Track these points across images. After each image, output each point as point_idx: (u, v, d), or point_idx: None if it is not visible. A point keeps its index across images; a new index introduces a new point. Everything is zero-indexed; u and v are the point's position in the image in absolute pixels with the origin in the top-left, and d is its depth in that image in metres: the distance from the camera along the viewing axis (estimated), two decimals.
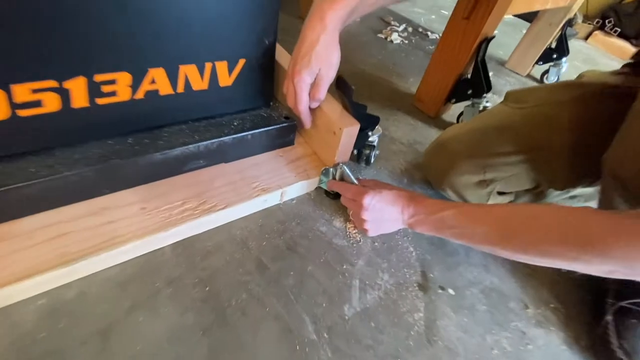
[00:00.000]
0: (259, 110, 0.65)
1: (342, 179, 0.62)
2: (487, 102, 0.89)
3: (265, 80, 0.62)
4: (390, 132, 0.88)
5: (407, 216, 0.53)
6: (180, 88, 0.53)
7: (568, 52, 1.27)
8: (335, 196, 0.65)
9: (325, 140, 0.64)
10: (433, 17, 1.74)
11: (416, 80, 1.12)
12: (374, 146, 0.70)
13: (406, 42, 1.40)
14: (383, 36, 1.38)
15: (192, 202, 0.54)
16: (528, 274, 0.63)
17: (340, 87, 0.57)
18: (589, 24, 2.03)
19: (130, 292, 0.46)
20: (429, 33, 1.52)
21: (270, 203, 0.61)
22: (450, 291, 0.57)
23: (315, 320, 0.49)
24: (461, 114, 0.95)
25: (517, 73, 1.40)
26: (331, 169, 0.63)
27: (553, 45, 1.31)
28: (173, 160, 0.54)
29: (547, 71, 1.33)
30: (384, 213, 0.54)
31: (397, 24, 1.49)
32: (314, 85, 0.56)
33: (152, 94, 0.51)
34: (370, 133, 0.66)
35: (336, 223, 0.62)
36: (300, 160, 0.67)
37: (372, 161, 0.72)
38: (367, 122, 0.63)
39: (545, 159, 0.59)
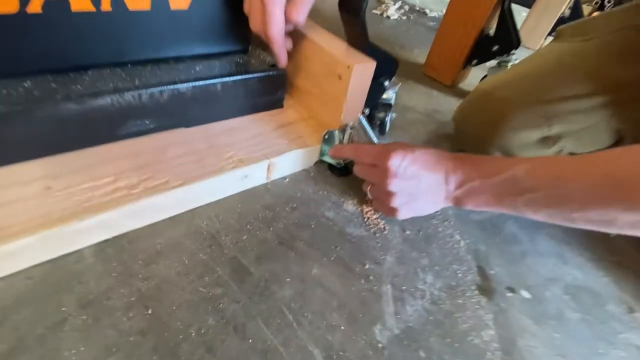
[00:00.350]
0: (233, 55, 0.47)
1: (350, 142, 0.44)
2: (516, 59, 0.73)
3: (238, 11, 0.44)
4: (403, 100, 0.71)
5: (454, 185, 0.36)
6: (106, 3, 0.35)
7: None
8: (343, 171, 0.47)
9: (326, 92, 0.46)
10: None
11: (422, 51, 0.96)
12: (390, 105, 0.53)
13: (404, 18, 1.26)
14: (378, 12, 1.23)
15: (129, 177, 0.35)
16: (616, 262, 0.45)
17: (344, 3, 0.40)
18: (587, 5, 1.94)
19: (13, 324, 0.27)
20: (427, 11, 1.38)
21: (252, 181, 0.43)
22: (524, 293, 0.39)
23: (331, 353, 0.30)
24: (484, 78, 0.79)
25: (527, 48, 1.27)
26: (336, 133, 0.45)
27: (567, 14, 1.18)
28: (100, 115, 0.35)
29: None
30: (420, 182, 0.36)
31: (392, 1, 1.35)
32: None
33: (59, 8, 0.33)
34: (386, 84, 0.49)
35: (348, 206, 0.44)
36: (294, 125, 0.49)
37: (387, 128, 0.55)
38: (383, 66, 0.46)
39: (633, 100, 0.42)
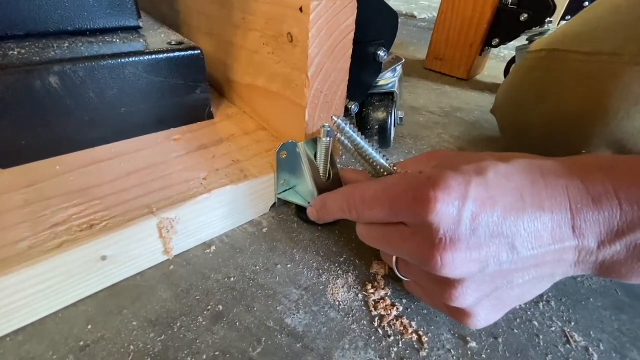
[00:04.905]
0: (112, 33, 0.27)
1: (329, 160, 0.23)
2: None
3: None
4: (407, 100, 0.51)
5: (600, 236, 0.15)
6: None
7: None
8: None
9: (276, 75, 0.25)
10: (413, 6, 1.48)
11: (418, 48, 0.78)
12: (392, 96, 0.32)
13: None
14: None
15: None
16: None
17: None
18: None
19: None
20: (415, 14, 1.24)
21: (126, 266, 0.20)
22: None
23: None
24: (510, 64, 0.59)
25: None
26: (300, 147, 0.24)
27: None
28: None
29: None
30: (515, 245, 0.15)
31: None
32: None
33: None
34: (382, 55, 0.28)
35: (338, 293, 0.21)
36: (226, 143, 0.27)
37: (392, 136, 0.33)
38: (374, 21, 0.26)
39: None
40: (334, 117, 0.19)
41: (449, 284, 0.15)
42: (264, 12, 0.23)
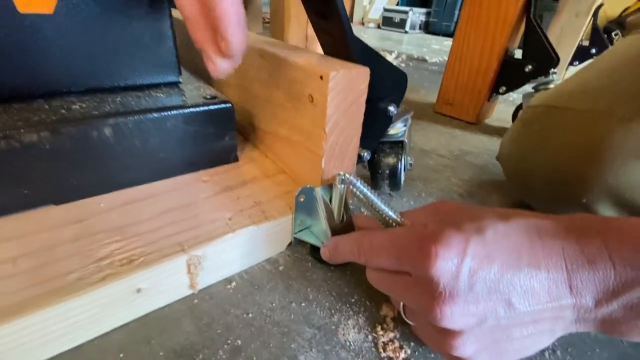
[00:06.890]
0: (155, 88, 0.31)
1: (342, 204, 0.25)
2: (558, 80, 0.56)
3: (160, 23, 0.29)
4: (419, 142, 0.53)
5: (596, 295, 0.16)
6: None
7: (611, 43, 1.01)
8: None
9: (297, 127, 0.28)
10: (424, 49, 1.56)
11: (429, 92, 0.82)
12: (402, 144, 0.34)
13: (403, 65, 1.16)
14: None
15: None
16: None
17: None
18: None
19: None
20: (427, 58, 1.30)
21: (156, 298, 0.22)
22: None
23: None
24: (518, 108, 0.62)
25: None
26: (319, 192, 0.26)
27: (586, 42, 1.06)
28: None
29: None
30: (511, 301, 0.16)
31: (388, 52, 1.28)
32: None
33: None
34: (392, 109, 0.31)
35: (348, 333, 0.22)
36: (249, 185, 0.30)
37: (402, 180, 0.36)
38: (385, 82, 0.29)
39: None
40: (346, 174, 0.21)
41: (449, 334, 0.17)
42: (289, 75, 0.27)
